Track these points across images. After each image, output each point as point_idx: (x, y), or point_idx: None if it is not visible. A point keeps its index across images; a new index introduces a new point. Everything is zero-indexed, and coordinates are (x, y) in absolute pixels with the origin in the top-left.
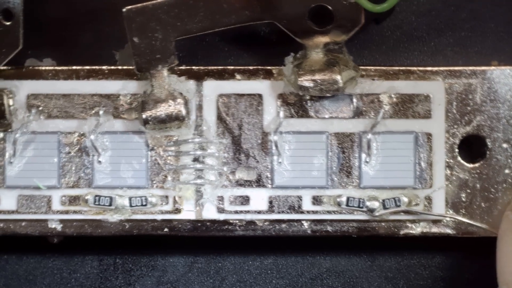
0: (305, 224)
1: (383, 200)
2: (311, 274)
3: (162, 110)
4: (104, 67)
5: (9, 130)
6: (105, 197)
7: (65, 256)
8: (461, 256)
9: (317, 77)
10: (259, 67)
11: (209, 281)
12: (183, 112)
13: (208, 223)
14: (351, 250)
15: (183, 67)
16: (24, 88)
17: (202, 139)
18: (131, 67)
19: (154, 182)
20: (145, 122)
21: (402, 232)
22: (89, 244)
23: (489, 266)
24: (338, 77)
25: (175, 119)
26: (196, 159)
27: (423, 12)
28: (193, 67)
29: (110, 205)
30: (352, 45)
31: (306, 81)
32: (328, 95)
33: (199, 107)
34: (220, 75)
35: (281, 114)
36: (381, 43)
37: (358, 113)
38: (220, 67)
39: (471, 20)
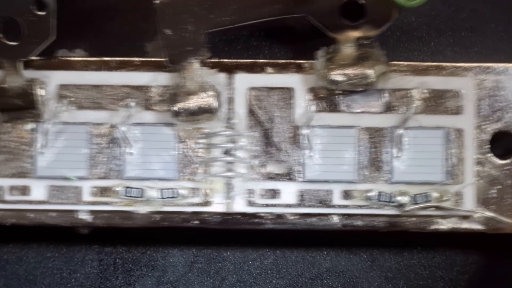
0: (335, 219)
1: (414, 195)
2: (311, 274)
3: (193, 102)
4: (135, 59)
5: (40, 120)
6: (136, 188)
7: (65, 256)
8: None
9: (349, 71)
10: (290, 60)
11: (209, 281)
12: (214, 104)
13: (237, 216)
14: (351, 250)
15: (214, 60)
16: (55, 78)
17: (233, 132)
18: (162, 59)
19: (185, 174)
20: (176, 114)
21: (431, 228)
22: (89, 244)
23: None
24: (370, 72)
25: (206, 112)
26: (226, 152)
27: (423, 12)
28: (224, 60)
29: (141, 196)
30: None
31: (337, 75)
32: (359, 89)
33: (230, 100)
34: (251, 68)
35: (312, 108)
36: (381, 43)
37: (388, 108)
38: (251, 60)
39: (471, 20)
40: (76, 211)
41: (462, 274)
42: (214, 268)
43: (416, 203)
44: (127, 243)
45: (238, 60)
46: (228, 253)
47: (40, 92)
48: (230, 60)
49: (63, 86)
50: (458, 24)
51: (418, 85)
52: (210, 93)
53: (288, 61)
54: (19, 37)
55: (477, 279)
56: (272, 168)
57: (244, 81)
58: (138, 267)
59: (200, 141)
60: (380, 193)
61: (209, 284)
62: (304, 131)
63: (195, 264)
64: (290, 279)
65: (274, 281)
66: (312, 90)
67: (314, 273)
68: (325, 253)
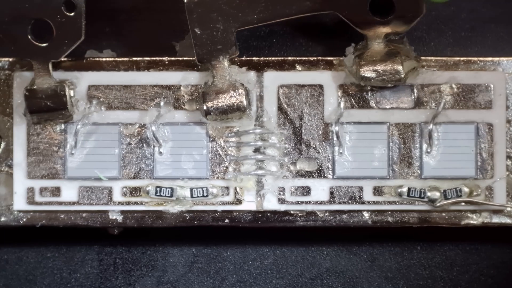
0: (366, 215)
1: (444, 191)
2: (311, 274)
3: (223, 100)
4: (164, 58)
5: (71, 121)
6: (166, 188)
7: (65, 256)
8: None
9: (379, 67)
10: (320, 58)
11: (209, 281)
12: (245, 102)
13: (269, 214)
14: (351, 250)
15: (243, 58)
16: (85, 79)
17: (263, 129)
18: (191, 58)
19: (215, 173)
20: (207, 113)
21: (463, 222)
22: (89, 244)
23: None
24: (400, 68)
25: (236, 110)
26: (257, 150)
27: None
28: (254, 58)
29: (171, 196)
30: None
31: (368, 71)
32: (389, 85)
33: (260, 98)
34: (281, 66)
35: (342, 104)
36: None
37: (418, 104)
38: (280, 58)
39: (471, 20)
40: (107, 211)
41: (462, 274)
42: (214, 268)
43: (447, 198)
44: (127, 243)
45: (268, 58)
46: (228, 253)
47: (70, 93)
48: (259, 58)
49: (93, 87)
50: (458, 24)
51: (448, 80)
52: (241, 91)
53: (317, 58)
54: (49, 39)
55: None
56: (302, 166)
57: (273, 79)
58: (138, 267)
59: (231, 139)
60: (410, 189)
61: (209, 284)
62: (334, 128)
63: (195, 264)
64: (290, 279)
65: (274, 281)
66: (342, 86)
67: (314, 273)
68: (325, 253)
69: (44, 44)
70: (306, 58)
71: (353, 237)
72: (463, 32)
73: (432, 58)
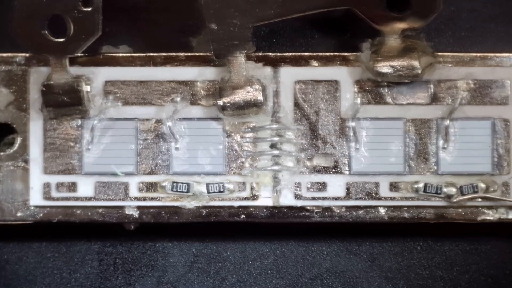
0: (382, 211)
1: (461, 187)
2: (311, 274)
3: (240, 96)
4: (181, 54)
5: (87, 116)
6: (183, 183)
7: (65, 256)
8: None
9: (396, 63)
10: (336, 53)
11: (209, 281)
12: (261, 98)
13: (285, 210)
14: (351, 250)
15: (259, 54)
16: (101, 75)
17: (280, 125)
18: (208, 54)
19: (232, 168)
20: (223, 108)
21: (479, 218)
22: (89, 244)
23: None
24: (417, 63)
25: (253, 106)
26: (273, 146)
27: None
28: (270, 54)
29: (188, 191)
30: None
31: (384, 67)
32: (406, 81)
33: (276, 94)
34: (297, 62)
35: (358, 100)
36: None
37: (434, 99)
38: (296, 54)
39: (471, 20)
40: (123, 207)
41: (462, 274)
42: (214, 268)
43: (463, 194)
44: (127, 243)
45: (283, 54)
46: (228, 253)
47: (86, 88)
48: (275, 54)
49: (109, 82)
50: (458, 24)
51: (464, 76)
52: (257, 87)
53: (333, 53)
54: (66, 34)
55: None
56: (318, 161)
57: (289, 74)
58: (138, 267)
59: (247, 135)
60: (426, 185)
61: (209, 284)
62: (351, 124)
63: (195, 264)
64: (290, 279)
65: (274, 281)
66: (358, 82)
67: (314, 273)
68: (325, 253)
69: (61, 40)
70: (323, 53)
71: (353, 237)
72: (463, 32)
73: (449, 54)
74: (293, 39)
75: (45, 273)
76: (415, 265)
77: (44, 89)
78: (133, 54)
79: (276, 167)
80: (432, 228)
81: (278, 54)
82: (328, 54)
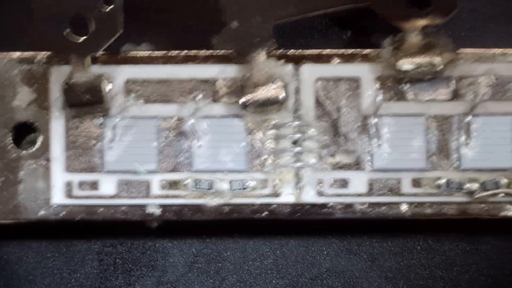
0: (405, 207)
1: (483, 182)
2: (311, 274)
3: (261, 93)
4: (201, 52)
5: (109, 115)
6: (205, 181)
7: (65, 256)
8: None
9: (417, 59)
10: (357, 50)
11: (209, 281)
12: (283, 95)
13: (307, 206)
14: (351, 250)
15: (280, 51)
16: (122, 73)
17: (301, 122)
18: (229, 51)
19: (254, 165)
20: (245, 106)
21: (501, 214)
22: (89, 244)
23: None
24: (438, 59)
25: (274, 103)
26: (295, 142)
27: None
28: (290, 51)
29: (210, 188)
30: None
31: (406, 63)
32: (427, 77)
33: (297, 91)
34: (317, 59)
35: (380, 97)
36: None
37: (456, 95)
38: (317, 51)
39: (471, 20)
40: (146, 205)
41: (462, 274)
42: (214, 268)
43: (486, 190)
44: (127, 243)
45: (304, 51)
46: (228, 253)
47: (108, 86)
48: (296, 51)
49: (131, 81)
50: (458, 24)
51: (485, 72)
52: (278, 84)
53: (354, 50)
54: (88, 32)
55: None
56: (340, 158)
57: (310, 72)
58: (138, 267)
59: (269, 132)
60: (449, 181)
61: (209, 284)
62: (373, 120)
63: (195, 264)
64: (290, 279)
65: (274, 281)
66: (379, 79)
67: (314, 273)
68: (325, 253)
69: (83, 38)
70: (343, 50)
71: (353, 237)
72: (463, 32)
73: (470, 50)
74: (293, 39)
75: (45, 273)
76: (415, 265)
77: (66, 87)
78: (154, 53)
79: (298, 164)
80: (432, 227)
81: (299, 51)
82: (349, 51)
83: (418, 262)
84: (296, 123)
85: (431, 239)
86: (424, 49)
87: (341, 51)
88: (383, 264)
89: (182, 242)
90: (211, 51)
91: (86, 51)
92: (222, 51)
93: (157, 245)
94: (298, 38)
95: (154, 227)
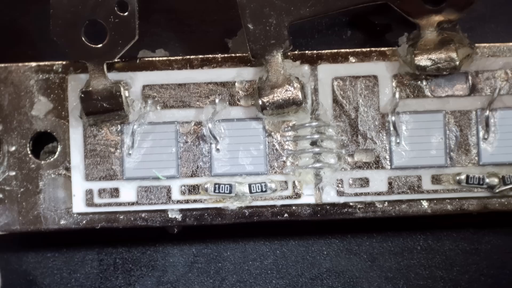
0: (425, 204)
1: (503, 176)
2: (311, 274)
3: (279, 95)
4: (217, 55)
5: (127, 121)
6: (225, 184)
7: (65, 256)
8: None
9: (434, 56)
10: (373, 48)
11: (209, 281)
12: (300, 96)
13: (328, 207)
14: (351, 250)
15: (296, 52)
16: (139, 79)
17: (320, 122)
18: (245, 54)
19: (273, 167)
20: (263, 108)
21: None
22: (89, 244)
23: None
24: (455, 55)
25: (292, 104)
26: (314, 143)
27: None
28: (307, 52)
29: (230, 192)
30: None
31: (423, 60)
32: (444, 73)
33: (315, 91)
34: (334, 59)
35: (397, 94)
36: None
37: (473, 91)
38: (333, 51)
39: (471, 20)
40: (166, 210)
41: (462, 274)
42: (214, 268)
43: (506, 184)
44: (127, 243)
45: (320, 51)
46: (228, 253)
47: (125, 93)
48: (312, 52)
49: (148, 87)
50: (458, 24)
51: (502, 66)
52: (296, 85)
53: (370, 49)
54: (103, 40)
55: None
56: (360, 157)
57: (327, 71)
58: (138, 267)
59: (287, 133)
60: (468, 176)
61: (209, 284)
62: (391, 118)
63: (195, 264)
64: (290, 279)
65: (274, 281)
66: (396, 76)
67: (314, 273)
68: (325, 253)
69: (99, 46)
70: (359, 49)
71: (353, 237)
72: (463, 32)
73: (486, 44)
74: (293, 39)
75: (45, 273)
76: (415, 265)
77: (83, 95)
78: (170, 58)
79: (317, 165)
80: (432, 227)
81: (315, 51)
82: (364, 49)
83: (418, 262)
84: (314, 123)
85: (431, 239)
86: (440, 45)
87: (357, 50)
88: (383, 264)
89: (182, 242)
90: (226, 54)
91: (103, 58)
92: (238, 54)
93: (157, 245)
94: (298, 38)
95: (174, 233)
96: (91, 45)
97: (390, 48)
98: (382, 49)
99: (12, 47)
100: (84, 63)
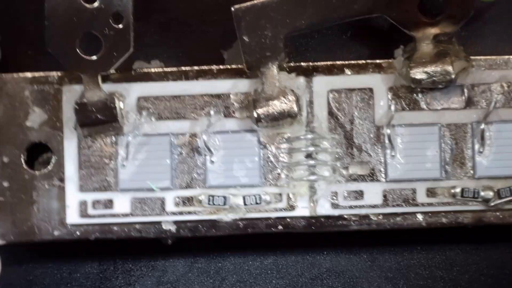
0: (420, 217)
1: (498, 190)
2: (311, 274)
3: (274, 107)
4: (213, 67)
5: (121, 133)
6: (219, 196)
7: (65, 256)
8: None
9: (429, 69)
10: (369, 61)
11: (209, 281)
12: (295, 108)
13: (322, 219)
14: (351, 250)
15: (292, 64)
16: (134, 91)
17: (315, 135)
18: (240, 66)
19: (268, 180)
20: (258, 120)
21: None
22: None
23: None
24: (450, 68)
25: (287, 116)
26: (309, 156)
27: None
28: (302, 64)
29: (224, 204)
30: (352, 45)
31: (418, 73)
32: (440, 86)
33: (310, 103)
34: (330, 71)
35: (393, 107)
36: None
37: (469, 103)
38: (329, 63)
39: (471, 20)
40: (160, 222)
41: (462, 274)
42: (214, 268)
43: (501, 198)
44: (127, 243)
45: (316, 63)
46: (228, 253)
47: (120, 105)
48: (307, 64)
49: (142, 98)
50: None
51: (498, 79)
52: (291, 97)
53: (366, 61)
54: (98, 51)
55: None
56: (354, 169)
57: (323, 83)
58: (138, 267)
59: (282, 146)
60: (464, 189)
61: (209, 284)
62: (386, 131)
63: (195, 264)
64: (290, 279)
65: (274, 281)
66: (392, 89)
67: (314, 273)
68: (325, 253)
69: (93, 57)
70: (355, 61)
71: (353, 238)
72: (463, 32)
73: (482, 57)
74: (293, 39)
75: (45, 273)
76: (415, 265)
77: (77, 107)
78: (165, 69)
79: (312, 177)
80: (433, 229)
81: (311, 63)
82: (360, 62)
83: (418, 262)
84: (309, 136)
85: (431, 239)
86: (436, 58)
87: (353, 62)
88: (383, 264)
89: (182, 242)
90: (222, 66)
91: (97, 70)
92: (233, 65)
93: (157, 245)
94: (298, 38)
95: (169, 244)
96: (86, 57)
97: (386, 60)
98: (378, 61)
99: (12, 46)
100: (79, 74)
